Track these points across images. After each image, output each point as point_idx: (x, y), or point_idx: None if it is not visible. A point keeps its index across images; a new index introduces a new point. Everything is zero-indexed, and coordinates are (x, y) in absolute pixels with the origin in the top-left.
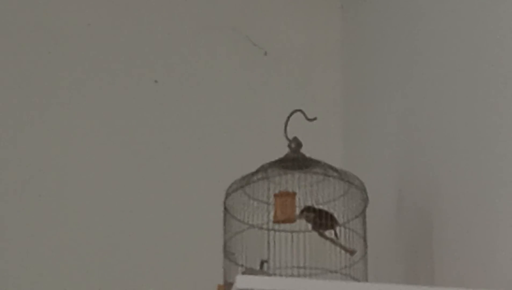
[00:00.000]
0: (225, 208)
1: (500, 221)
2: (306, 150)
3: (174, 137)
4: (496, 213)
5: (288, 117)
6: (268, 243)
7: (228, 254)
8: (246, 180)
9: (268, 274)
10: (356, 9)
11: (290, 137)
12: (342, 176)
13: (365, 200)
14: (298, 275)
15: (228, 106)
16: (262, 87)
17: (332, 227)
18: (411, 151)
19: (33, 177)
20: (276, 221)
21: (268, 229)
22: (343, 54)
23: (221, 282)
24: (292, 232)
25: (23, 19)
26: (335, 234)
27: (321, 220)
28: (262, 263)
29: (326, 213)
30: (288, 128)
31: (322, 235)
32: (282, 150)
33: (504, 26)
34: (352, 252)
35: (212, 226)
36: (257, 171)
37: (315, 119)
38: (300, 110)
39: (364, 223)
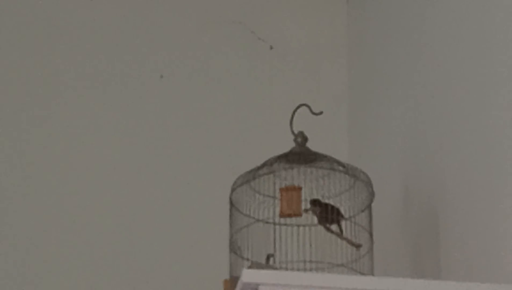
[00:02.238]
0: (231, 203)
1: (505, 215)
2: (312, 144)
3: (179, 132)
4: (502, 207)
5: (294, 112)
6: (274, 237)
7: (234, 248)
8: (252, 175)
9: (274, 268)
10: (361, 3)
11: (296, 131)
12: (348, 170)
13: (371, 194)
14: (304, 269)
15: (233, 100)
16: (267, 82)
17: (338, 221)
18: (417, 145)
19: (37, 176)
20: (282, 215)
21: (274, 223)
22: (348, 49)
23: (227, 277)
24: (298, 226)
25: (29, 16)
26: (341, 229)
27: (327, 214)
28: (268, 257)
29: (332, 207)
30: (293, 122)
31: (328, 229)
32: (288, 145)
33: (511, 24)
34: (358, 246)
35: (218, 220)
36: (262, 166)
37: (321, 113)
38: (305, 105)
39: (370, 217)
